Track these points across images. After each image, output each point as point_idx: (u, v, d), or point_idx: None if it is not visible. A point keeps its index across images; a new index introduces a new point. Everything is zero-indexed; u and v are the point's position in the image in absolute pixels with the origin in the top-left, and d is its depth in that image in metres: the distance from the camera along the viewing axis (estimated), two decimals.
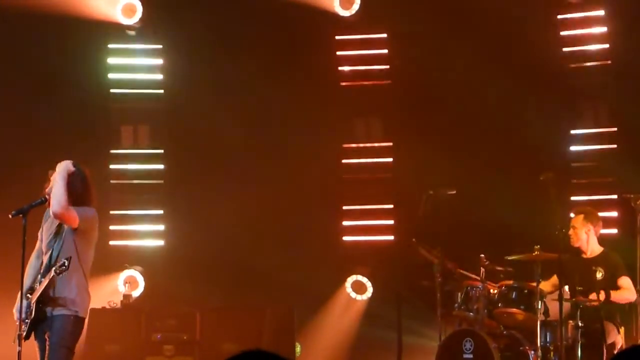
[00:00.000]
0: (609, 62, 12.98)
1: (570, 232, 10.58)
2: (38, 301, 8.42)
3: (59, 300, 8.44)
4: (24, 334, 8.40)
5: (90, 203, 8.66)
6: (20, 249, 8.34)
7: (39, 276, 8.55)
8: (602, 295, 10.03)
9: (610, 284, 10.34)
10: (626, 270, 10.43)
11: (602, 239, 10.76)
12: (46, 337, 8.46)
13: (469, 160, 12.76)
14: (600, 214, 10.96)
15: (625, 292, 10.34)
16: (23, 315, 8.42)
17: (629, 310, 10.53)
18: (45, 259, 8.61)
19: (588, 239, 10.63)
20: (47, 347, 8.44)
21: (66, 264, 8.20)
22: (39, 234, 8.79)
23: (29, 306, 8.45)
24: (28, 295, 8.51)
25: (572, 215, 10.75)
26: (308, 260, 12.95)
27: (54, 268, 8.26)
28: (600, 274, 10.35)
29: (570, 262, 10.42)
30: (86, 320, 8.74)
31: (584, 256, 10.64)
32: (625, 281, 10.38)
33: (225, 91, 13.51)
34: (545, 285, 10.48)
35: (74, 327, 8.51)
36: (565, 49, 13.16)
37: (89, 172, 8.74)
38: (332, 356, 13.02)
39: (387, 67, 13.76)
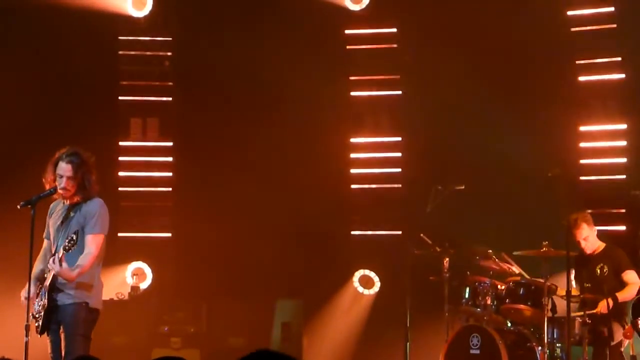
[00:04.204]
0: (619, 58, 12.95)
1: (583, 244, 10.48)
2: (49, 290, 8.32)
3: (66, 289, 8.30)
4: (39, 328, 8.31)
5: (95, 192, 8.54)
6: (27, 243, 8.23)
7: (48, 263, 8.31)
8: (611, 303, 9.98)
9: (616, 279, 10.32)
10: (630, 264, 10.40)
11: (610, 236, 10.70)
12: (60, 330, 8.36)
13: (477, 157, 12.73)
14: (609, 211, 10.93)
15: (632, 287, 10.29)
16: (37, 309, 8.33)
17: None
18: (53, 249, 8.50)
19: (594, 240, 10.61)
20: (62, 339, 8.34)
21: (74, 239, 8.02)
22: (45, 234, 8.62)
23: (43, 296, 8.34)
24: (39, 285, 8.41)
25: (574, 228, 10.44)
26: (316, 255, 12.96)
27: (62, 246, 8.06)
28: (605, 270, 10.32)
29: (578, 259, 10.41)
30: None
31: (587, 253, 10.57)
32: (630, 275, 10.34)
33: (235, 83, 13.50)
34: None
35: (86, 315, 8.34)
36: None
37: (90, 157, 8.58)
38: (339, 350, 13.02)
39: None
